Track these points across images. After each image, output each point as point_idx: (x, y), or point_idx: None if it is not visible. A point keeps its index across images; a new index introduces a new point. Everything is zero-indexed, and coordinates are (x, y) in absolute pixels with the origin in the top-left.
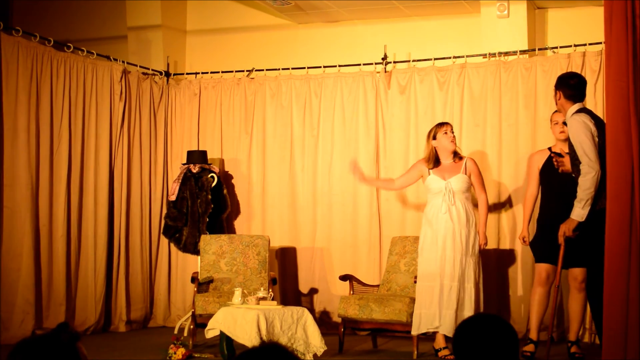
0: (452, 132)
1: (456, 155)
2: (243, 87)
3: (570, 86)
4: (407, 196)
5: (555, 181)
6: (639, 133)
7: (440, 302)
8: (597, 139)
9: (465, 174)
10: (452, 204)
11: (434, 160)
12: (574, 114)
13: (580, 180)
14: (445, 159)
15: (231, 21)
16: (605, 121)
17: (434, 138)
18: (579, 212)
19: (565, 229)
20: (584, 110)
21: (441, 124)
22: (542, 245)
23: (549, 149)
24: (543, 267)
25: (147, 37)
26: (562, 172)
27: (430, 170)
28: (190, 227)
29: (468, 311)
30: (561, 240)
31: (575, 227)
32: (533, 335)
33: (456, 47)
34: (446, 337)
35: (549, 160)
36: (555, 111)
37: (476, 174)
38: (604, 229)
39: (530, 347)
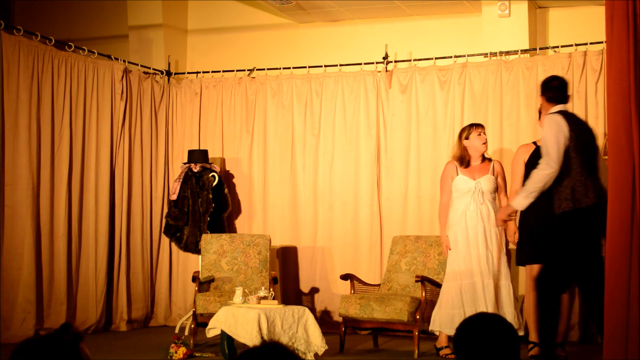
0: (485, 134)
1: (484, 157)
2: (244, 87)
3: (550, 88)
4: (408, 196)
5: None
6: None
7: (477, 300)
8: (570, 141)
9: (493, 175)
10: (481, 202)
11: (466, 160)
12: (550, 113)
13: (534, 172)
14: (475, 160)
15: (232, 20)
16: (608, 120)
17: (467, 138)
18: (521, 201)
19: (502, 215)
20: (562, 112)
21: (475, 125)
22: (529, 245)
23: (534, 143)
24: (536, 269)
25: (148, 37)
26: None
27: (459, 170)
28: (191, 227)
29: (508, 307)
30: (498, 224)
31: (535, 223)
32: (535, 337)
33: (457, 46)
34: (448, 337)
35: (533, 155)
36: None
37: (502, 177)
38: (565, 232)
39: (536, 351)
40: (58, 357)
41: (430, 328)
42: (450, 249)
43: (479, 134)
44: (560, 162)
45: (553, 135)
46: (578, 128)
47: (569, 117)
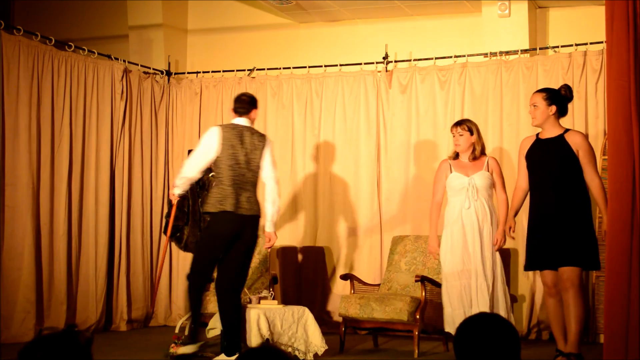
0: (461, 134)
1: (478, 155)
2: (244, 87)
3: (237, 101)
4: (408, 196)
5: (541, 169)
6: None
7: (472, 300)
8: (219, 153)
9: (488, 171)
10: (475, 199)
11: (455, 153)
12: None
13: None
14: (463, 157)
15: (232, 20)
16: (608, 120)
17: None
18: (172, 188)
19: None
20: (230, 125)
21: (454, 124)
22: (536, 249)
23: (537, 135)
24: (546, 275)
25: (148, 36)
26: (548, 159)
27: (452, 168)
28: (191, 226)
29: (502, 310)
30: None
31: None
32: (561, 346)
33: (457, 46)
34: (447, 336)
35: (533, 146)
36: (533, 92)
37: (498, 173)
38: (213, 229)
39: None
40: (71, 358)
41: (448, 329)
42: (439, 254)
43: (453, 135)
44: (198, 166)
45: (201, 142)
46: (233, 143)
47: (233, 129)
